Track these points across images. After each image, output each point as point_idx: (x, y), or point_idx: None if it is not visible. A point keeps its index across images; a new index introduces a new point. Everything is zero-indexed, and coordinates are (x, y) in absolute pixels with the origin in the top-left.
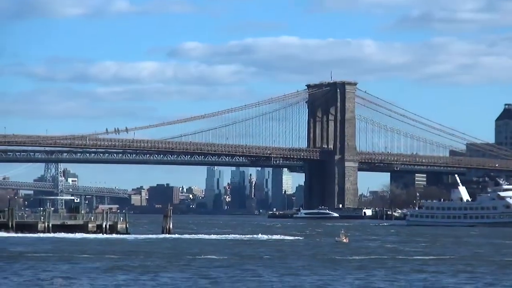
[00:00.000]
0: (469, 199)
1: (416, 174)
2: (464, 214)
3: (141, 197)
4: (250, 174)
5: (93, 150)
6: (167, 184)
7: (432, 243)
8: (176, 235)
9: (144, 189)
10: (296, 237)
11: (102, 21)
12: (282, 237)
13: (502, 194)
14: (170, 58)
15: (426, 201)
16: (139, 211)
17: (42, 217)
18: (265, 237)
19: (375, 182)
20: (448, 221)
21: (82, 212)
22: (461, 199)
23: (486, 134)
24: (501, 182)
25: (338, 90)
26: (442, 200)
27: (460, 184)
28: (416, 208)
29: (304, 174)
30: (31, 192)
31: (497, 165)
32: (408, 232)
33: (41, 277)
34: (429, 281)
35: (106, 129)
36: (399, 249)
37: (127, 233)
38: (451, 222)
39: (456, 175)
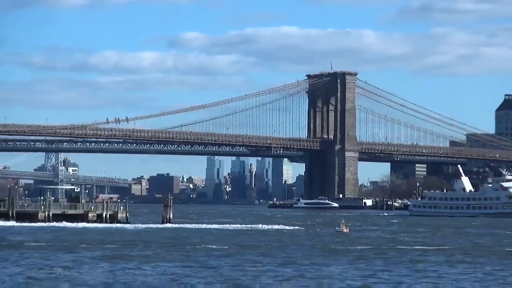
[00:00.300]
0: (472, 190)
1: (416, 164)
2: (467, 205)
3: (141, 186)
4: (250, 164)
5: (94, 139)
6: (167, 174)
7: (433, 233)
8: (176, 225)
9: (144, 178)
10: (296, 227)
11: (103, 10)
12: (282, 227)
13: (505, 184)
14: (170, 48)
15: (428, 191)
16: (140, 201)
17: (42, 207)
18: (265, 227)
19: (375, 172)
20: (451, 211)
21: (83, 201)
22: (464, 189)
23: (487, 125)
24: (504, 172)
25: (338, 80)
26: (444, 190)
27: (463, 174)
28: (419, 199)
29: (304, 164)
30: (31, 181)
31: (497, 155)
32: (409, 223)
33: (41, 266)
34: (428, 271)
35: (107, 119)
36: (399, 239)
37: (127, 222)
38: (454, 213)
39: (459, 166)
